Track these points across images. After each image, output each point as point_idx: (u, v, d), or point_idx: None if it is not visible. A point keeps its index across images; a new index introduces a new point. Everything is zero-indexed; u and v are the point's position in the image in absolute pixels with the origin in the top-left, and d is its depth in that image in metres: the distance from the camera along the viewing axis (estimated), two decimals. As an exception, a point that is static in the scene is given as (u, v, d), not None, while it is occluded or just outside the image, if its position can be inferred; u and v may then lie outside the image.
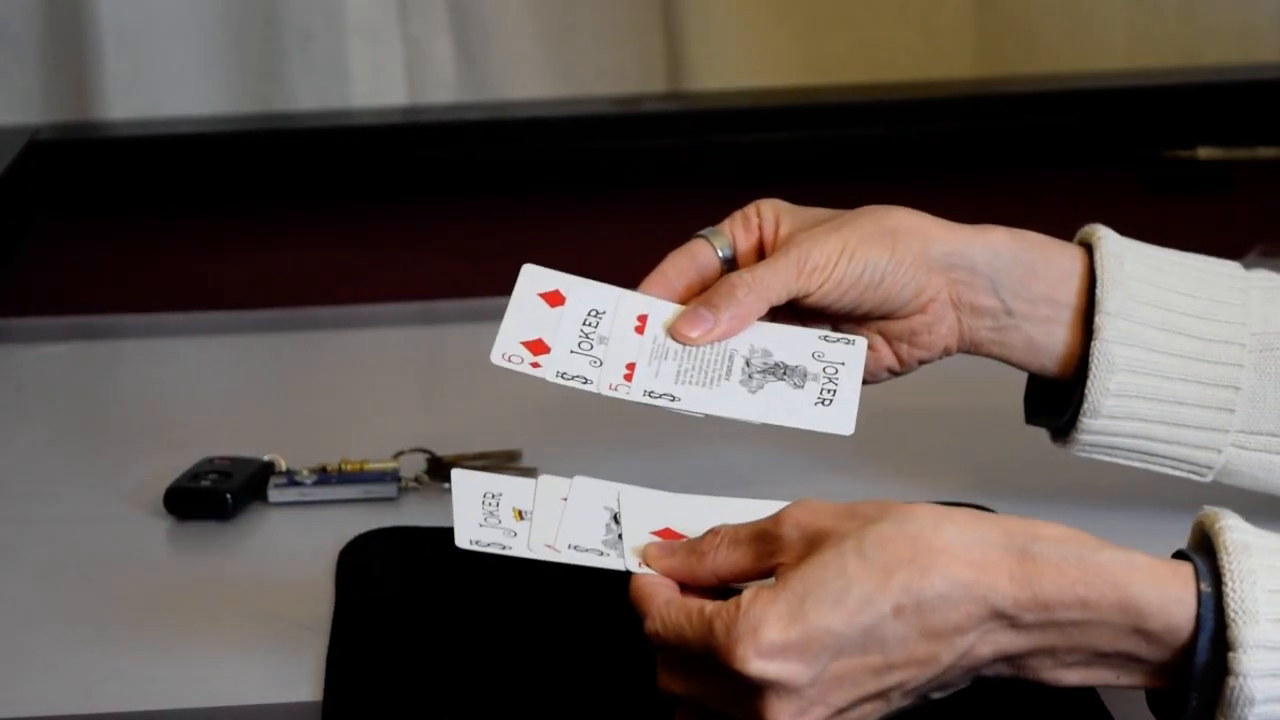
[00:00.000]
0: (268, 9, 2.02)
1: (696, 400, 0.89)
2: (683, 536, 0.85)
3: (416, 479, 1.15)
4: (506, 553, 0.86)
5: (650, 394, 0.91)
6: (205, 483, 1.12)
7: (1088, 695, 0.85)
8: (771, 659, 0.74)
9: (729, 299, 0.94)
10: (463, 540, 0.86)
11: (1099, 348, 0.94)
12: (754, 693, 0.75)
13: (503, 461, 1.17)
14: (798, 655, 0.74)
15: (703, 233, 0.98)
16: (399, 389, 1.38)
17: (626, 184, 1.86)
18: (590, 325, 0.93)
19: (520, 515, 0.88)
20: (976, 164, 2.04)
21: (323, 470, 1.15)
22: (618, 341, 0.93)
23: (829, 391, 0.92)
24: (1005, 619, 0.75)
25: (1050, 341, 0.97)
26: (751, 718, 0.76)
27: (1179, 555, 0.78)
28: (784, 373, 0.93)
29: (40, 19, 2.00)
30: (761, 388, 0.92)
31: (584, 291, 0.95)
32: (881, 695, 0.76)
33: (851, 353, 0.95)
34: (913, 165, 1.95)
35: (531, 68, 2.10)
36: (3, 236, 1.67)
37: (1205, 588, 0.75)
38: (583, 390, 0.91)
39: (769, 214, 0.98)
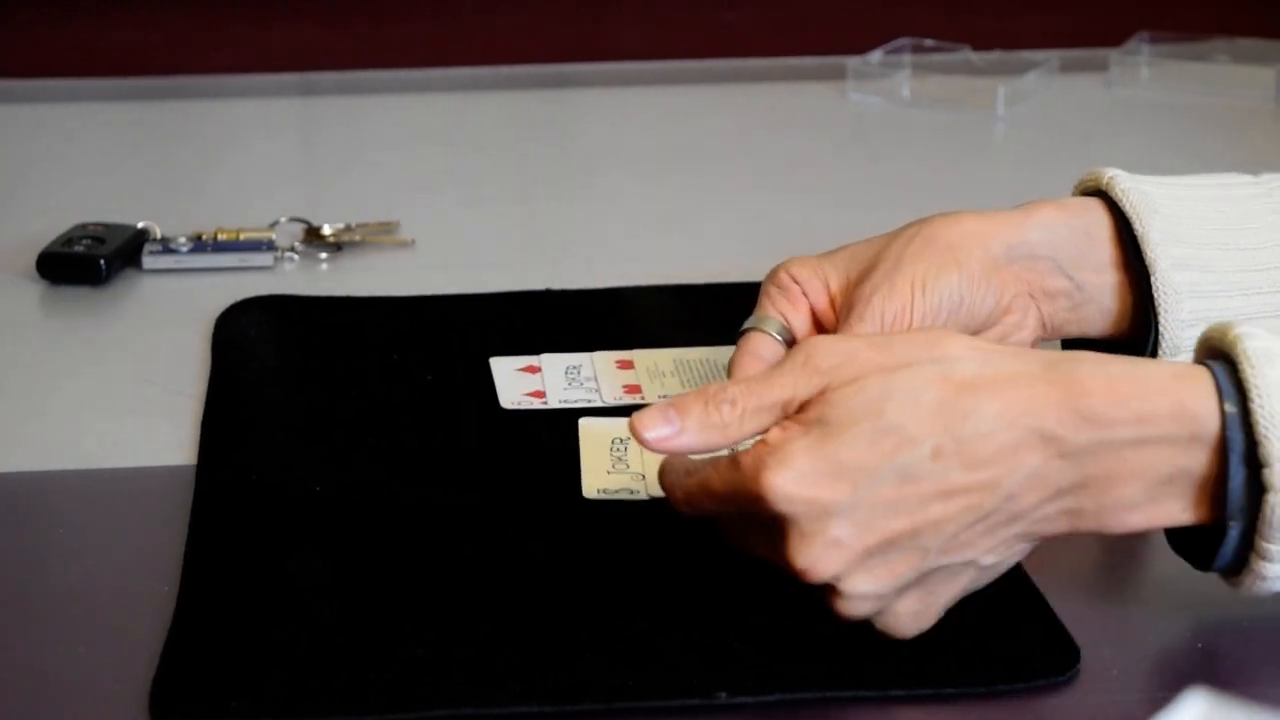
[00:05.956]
0: None
1: None
2: None
3: (292, 248, 1.15)
4: (635, 497, 0.86)
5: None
6: (78, 248, 1.11)
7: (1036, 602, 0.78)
8: (800, 486, 0.70)
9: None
10: (590, 490, 0.86)
11: (1162, 280, 0.86)
12: (782, 524, 0.71)
13: (379, 233, 1.17)
14: (829, 483, 0.70)
15: (750, 325, 0.88)
16: (276, 160, 1.37)
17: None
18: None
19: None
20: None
21: (198, 238, 1.14)
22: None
23: None
24: (1053, 444, 0.71)
25: (1118, 302, 0.89)
26: (781, 553, 0.71)
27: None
28: None
29: None
30: None
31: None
32: (914, 538, 0.71)
33: None
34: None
35: None
36: None
37: (1230, 408, 0.70)
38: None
39: (806, 274, 0.88)
